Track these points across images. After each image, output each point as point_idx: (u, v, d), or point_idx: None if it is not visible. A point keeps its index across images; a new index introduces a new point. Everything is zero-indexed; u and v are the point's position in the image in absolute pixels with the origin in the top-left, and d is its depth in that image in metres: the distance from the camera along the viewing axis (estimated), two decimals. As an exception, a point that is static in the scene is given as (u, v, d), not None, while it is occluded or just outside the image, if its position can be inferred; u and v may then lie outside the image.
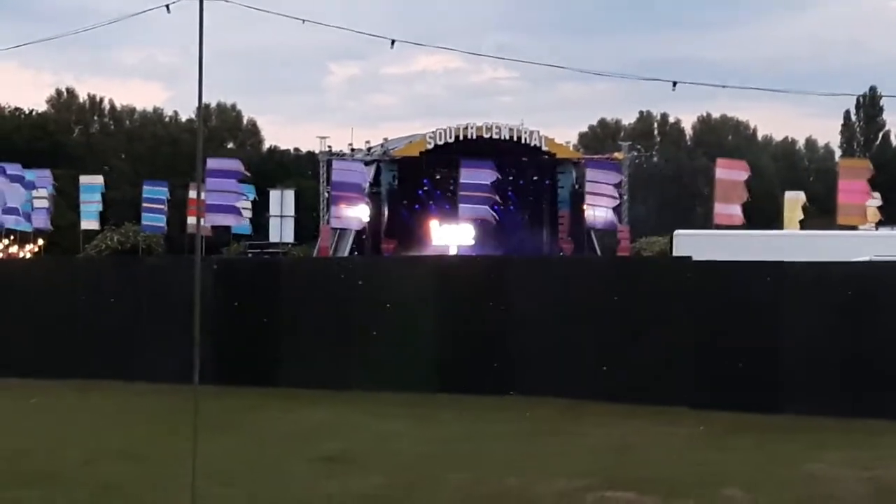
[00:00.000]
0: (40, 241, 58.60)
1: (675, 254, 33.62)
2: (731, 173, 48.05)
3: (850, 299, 20.93)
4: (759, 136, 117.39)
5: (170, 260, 37.38)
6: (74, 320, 25.50)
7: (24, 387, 23.68)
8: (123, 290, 25.57)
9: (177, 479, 13.06)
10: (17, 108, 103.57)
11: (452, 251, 53.52)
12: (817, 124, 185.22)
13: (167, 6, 13.27)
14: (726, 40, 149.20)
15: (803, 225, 53.74)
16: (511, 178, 59.38)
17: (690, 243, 32.27)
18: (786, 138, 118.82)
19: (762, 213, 59.22)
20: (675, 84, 20.33)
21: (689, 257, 23.37)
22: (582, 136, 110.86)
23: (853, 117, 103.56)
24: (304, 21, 18.18)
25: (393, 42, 20.18)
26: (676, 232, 37.91)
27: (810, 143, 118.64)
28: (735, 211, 46.26)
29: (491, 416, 20.42)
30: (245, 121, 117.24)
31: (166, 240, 65.83)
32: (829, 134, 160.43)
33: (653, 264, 28.90)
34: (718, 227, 45.10)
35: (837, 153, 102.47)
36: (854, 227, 43.03)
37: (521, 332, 22.95)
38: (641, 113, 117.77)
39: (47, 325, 25.60)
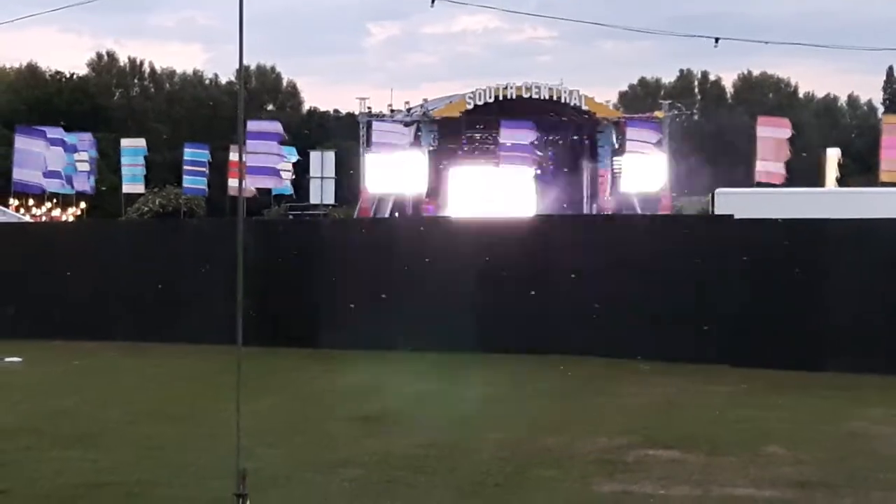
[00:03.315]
0: (83, 205, 58.87)
1: (716, 212, 33.46)
2: (773, 131, 47.83)
3: (893, 256, 20.84)
4: (801, 93, 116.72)
5: (212, 222, 37.51)
6: (117, 283, 25.65)
7: (67, 348, 23.89)
8: (166, 253, 25.70)
9: (218, 439, 13.15)
10: (57, 72, 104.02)
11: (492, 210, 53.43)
12: (859, 80, 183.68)
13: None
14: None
15: (840, 182, 53.42)
16: (551, 137, 59.21)
17: (731, 201, 32.12)
18: (827, 95, 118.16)
19: (803, 171, 58.88)
20: (717, 40, 20.22)
21: (731, 215, 23.25)
22: (622, 96, 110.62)
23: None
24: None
25: (433, 1, 20.10)
26: (717, 190, 37.75)
27: (852, 99, 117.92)
28: (777, 169, 46.06)
29: (531, 375, 20.45)
30: (285, 83, 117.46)
31: (207, 202, 66.01)
32: (871, 90, 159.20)
33: (695, 221, 28.72)
34: (760, 185, 44.90)
35: (880, 110, 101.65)
36: (896, 185, 42.69)
37: (559, 290, 22.92)
38: (682, 71, 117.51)
39: (90, 287, 25.76)
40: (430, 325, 23.17)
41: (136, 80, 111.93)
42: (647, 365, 20.96)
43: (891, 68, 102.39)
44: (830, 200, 34.25)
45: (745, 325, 21.45)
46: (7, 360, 22.31)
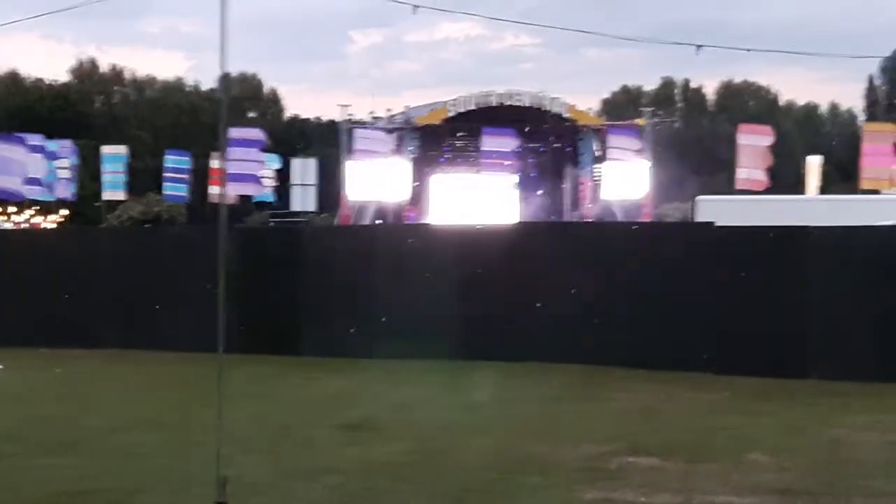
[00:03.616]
0: (64, 212, 58.72)
1: (697, 219, 33.53)
2: (754, 138, 47.79)
3: (875, 264, 20.90)
4: (782, 101, 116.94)
5: (193, 229, 37.40)
6: (99, 290, 25.62)
7: (50, 356, 23.86)
8: (147, 260, 25.68)
9: (201, 447, 13.10)
10: (38, 79, 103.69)
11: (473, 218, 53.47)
12: (840, 89, 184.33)
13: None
14: (746, 3, 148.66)
15: (822, 189, 53.50)
16: (533, 145, 59.24)
17: (713, 209, 32.18)
18: (808, 103, 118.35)
19: (785, 179, 59.01)
20: (699, 47, 20.27)
21: (712, 223, 23.29)
22: (605, 103, 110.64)
23: (876, 81, 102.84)
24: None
25: (416, 8, 20.11)
26: (699, 197, 37.81)
27: (833, 107, 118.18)
28: (758, 176, 46.09)
29: (513, 382, 20.48)
30: (267, 90, 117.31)
31: (189, 209, 65.84)
32: (852, 99, 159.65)
33: (674, 229, 28.79)
34: (741, 192, 44.96)
35: (861, 118, 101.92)
36: (877, 192, 42.78)
37: (541, 298, 22.96)
38: (663, 79, 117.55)
39: (72, 295, 25.72)
40: (412, 332, 23.15)
41: (117, 88, 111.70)
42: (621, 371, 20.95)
43: (871, 77, 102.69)
44: (812, 208, 34.32)
45: (727, 333, 21.48)
46: (-12, 367, 22.27)
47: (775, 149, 46.97)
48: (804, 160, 59.40)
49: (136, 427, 15.85)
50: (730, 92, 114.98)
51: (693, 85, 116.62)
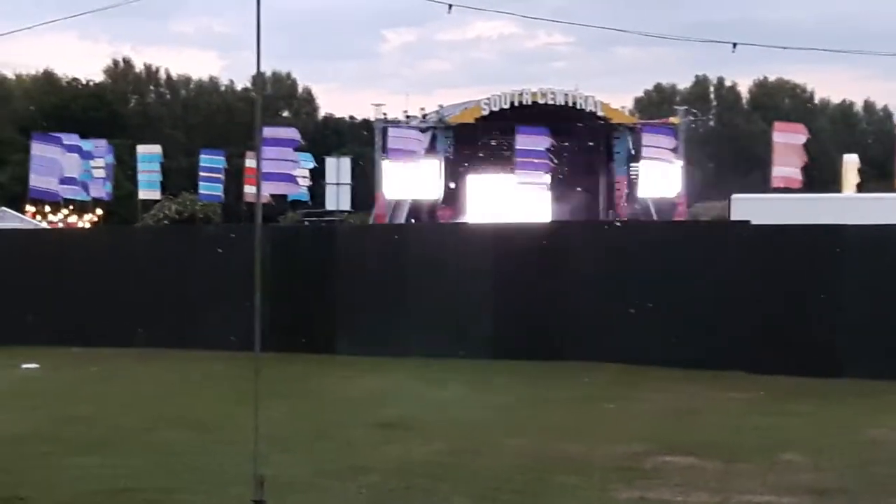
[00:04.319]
0: (99, 211, 58.91)
1: (732, 218, 33.39)
2: (788, 136, 47.63)
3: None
4: (817, 98, 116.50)
5: (228, 229, 37.50)
6: (134, 289, 25.69)
7: (85, 355, 23.95)
8: (183, 259, 25.76)
9: (237, 446, 13.14)
10: (74, 79, 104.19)
11: (506, 216, 53.46)
12: (876, 86, 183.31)
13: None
14: (781, 2, 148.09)
15: (860, 188, 53.20)
16: (566, 143, 59.12)
17: (748, 207, 32.03)
18: (843, 101, 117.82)
19: (820, 177, 58.76)
20: (734, 46, 20.18)
21: (748, 221, 23.20)
22: (638, 101, 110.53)
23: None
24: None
25: (450, 7, 20.08)
26: (734, 196, 37.63)
27: (868, 105, 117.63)
28: (793, 174, 45.90)
29: (548, 381, 20.45)
30: (300, 89, 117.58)
31: (223, 208, 66.01)
32: (887, 96, 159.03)
33: (710, 228, 28.67)
34: (776, 190, 44.78)
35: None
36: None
37: (576, 298, 22.93)
38: (697, 77, 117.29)
39: (107, 293, 25.81)
40: (447, 331, 23.21)
41: (152, 87, 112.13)
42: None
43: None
44: (848, 206, 34.12)
45: (761, 331, 21.40)
46: (24, 366, 22.37)
47: (810, 147, 46.80)
48: (840, 158, 59.11)
49: (172, 426, 15.87)
50: (764, 90, 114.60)
51: (727, 83, 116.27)
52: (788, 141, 47.26)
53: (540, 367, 21.69)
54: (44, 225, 48.78)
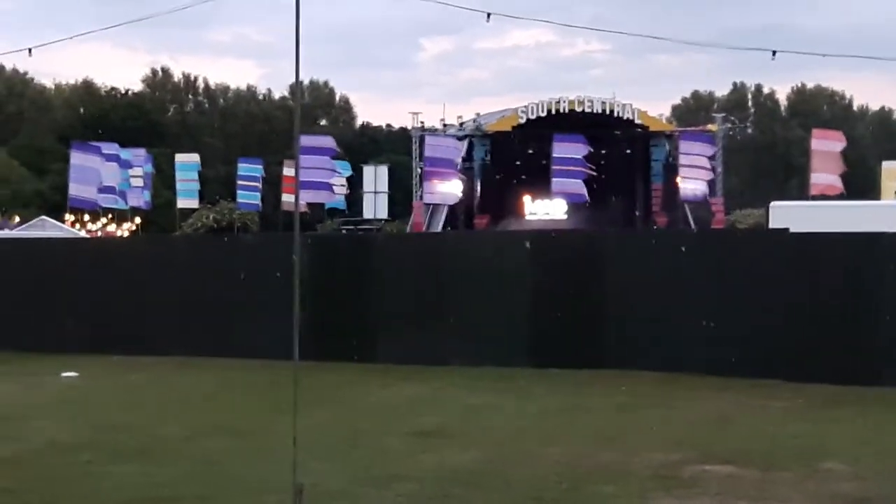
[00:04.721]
0: (137, 220, 59.26)
1: (771, 226, 33.27)
2: (826, 144, 47.55)
3: None
4: (855, 105, 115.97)
5: (266, 237, 37.67)
6: (173, 298, 25.78)
7: (123, 363, 24.05)
8: (221, 268, 25.83)
9: (275, 454, 13.17)
10: (112, 88, 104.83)
11: (545, 225, 53.51)
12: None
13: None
14: (819, 8, 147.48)
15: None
16: (604, 151, 59.07)
17: (786, 215, 31.91)
18: (882, 108, 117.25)
19: (858, 184, 58.51)
20: (774, 53, 20.16)
21: (786, 229, 23.11)
22: (675, 109, 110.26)
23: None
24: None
25: (489, 15, 20.12)
26: (772, 204, 37.52)
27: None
28: (832, 181, 45.77)
29: (585, 389, 20.42)
30: (338, 97, 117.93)
31: (261, 217, 66.28)
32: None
33: (749, 236, 28.59)
34: (815, 198, 44.64)
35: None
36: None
37: (615, 306, 22.90)
38: (735, 84, 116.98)
39: (145, 302, 25.92)
40: (484, 339, 23.24)
41: (190, 96, 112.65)
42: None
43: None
44: (887, 214, 33.94)
45: (799, 340, 21.30)
46: (64, 374, 22.48)
47: (849, 154, 46.63)
48: (879, 166, 58.83)
49: (211, 434, 15.93)
50: (802, 97, 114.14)
51: (765, 90, 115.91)
52: (827, 148, 47.18)
53: (577, 375, 21.67)
54: (83, 233, 49.08)
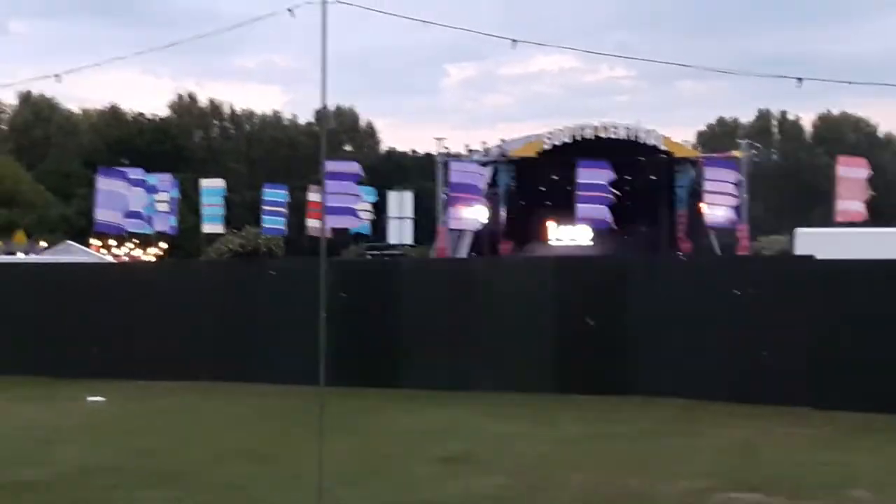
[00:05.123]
0: (163, 245, 59.37)
1: (796, 252, 33.18)
2: (852, 170, 47.32)
3: None
4: (881, 132, 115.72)
5: (291, 262, 37.59)
6: (197, 323, 25.86)
7: (151, 388, 24.12)
8: (245, 293, 25.92)
9: (301, 479, 13.19)
10: (139, 113, 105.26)
11: (570, 251, 53.47)
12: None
13: (290, 10, 13.36)
14: (844, 35, 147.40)
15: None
16: (628, 177, 58.93)
17: (812, 242, 31.81)
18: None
19: (884, 212, 58.32)
20: (800, 80, 20.07)
21: (812, 256, 23.05)
22: (700, 135, 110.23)
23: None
24: (425, 22, 18.19)
25: (514, 42, 20.12)
26: (798, 230, 37.40)
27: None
28: (857, 208, 45.57)
29: (610, 416, 20.38)
30: (363, 123, 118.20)
31: (286, 242, 66.32)
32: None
33: (774, 263, 28.53)
34: (840, 224, 44.47)
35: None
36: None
37: (639, 332, 22.88)
38: (760, 111, 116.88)
39: (171, 327, 26.00)
40: (510, 365, 23.24)
41: (216, 121, 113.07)
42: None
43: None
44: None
45: (827, 366, 21.22)
46: (90, 399, 22.55)
47: (874, 181, 46.47)
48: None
49: (237, 459, 15.95)
50: (828, 124, 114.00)
51: (790, 116, 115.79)
52: (852, 175, 46.96)
53: (604, 402, 21.65)
54: (109, 258, 49.24)
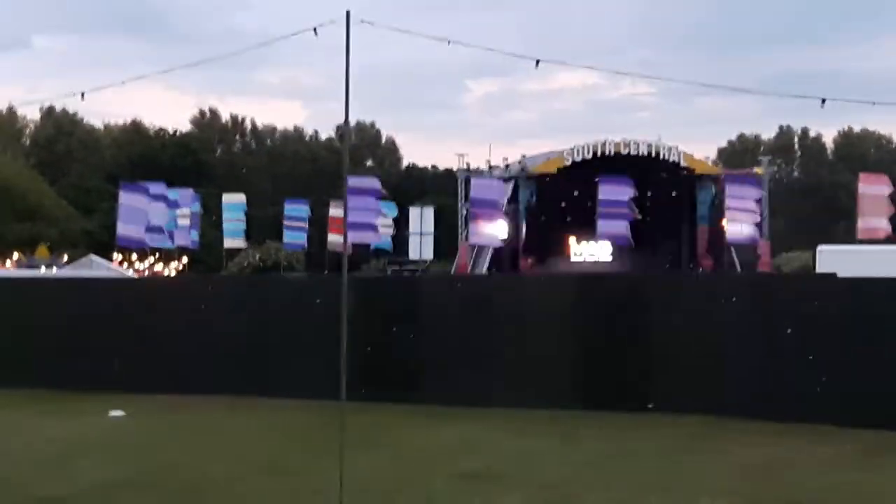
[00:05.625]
0: (184, 259, 59.59)
1: (818, 269, 33.17)
2: (874, 188, 47.29)
3: None
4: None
5: (312, 278, 37.80)
6: (218, 337, 25.90)
7: (171, 402, 24.15)
8: (266, 308, 25.93)
9: (320, 495, 13.22)
10: (161, 129, 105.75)
11: (590, 268, 53.48)
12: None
13: (314, 29, 13.45)
14: (866, 52, 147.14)
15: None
16: (649, 193, 58.94)
17: (834, 259, 31.80)
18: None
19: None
20: (823, 101, 20.07)
21: (834, 274, 23.01)
22: (721, 152, 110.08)
23: None
24: (449, 42, 18.27)
25: (538, 62, 20.17)
26: (820, 247, 37.40)
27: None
28: (880, 224, 45.50)
29: (631, 433, 20.33)
30: (384, 138, 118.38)
31: (307, 257, 66.47)
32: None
33: (794, 280, 28.50)
34: (862, 242, 44.40)
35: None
36: None
37: (659, 349, 22.85)
38: (781, 127, 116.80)
39: (192, 341, 26.05)
40: (531, 381, 23.23)
41: (237, 137, 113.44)
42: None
43: None
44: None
45: (848, 384, 21.16)
46: (112, 413, 22.61)
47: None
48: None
49: (259, 475, 15.96)
50: (849, 141, 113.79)
51: (812, 133, 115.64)
52: (874, 192, 46.91)
53: (626, 419, 21.59)
54: (130, 273, 49.40)
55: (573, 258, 60.63)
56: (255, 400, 24.01)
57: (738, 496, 14.49)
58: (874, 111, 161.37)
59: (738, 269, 53.04)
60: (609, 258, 58.54)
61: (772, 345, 21.87)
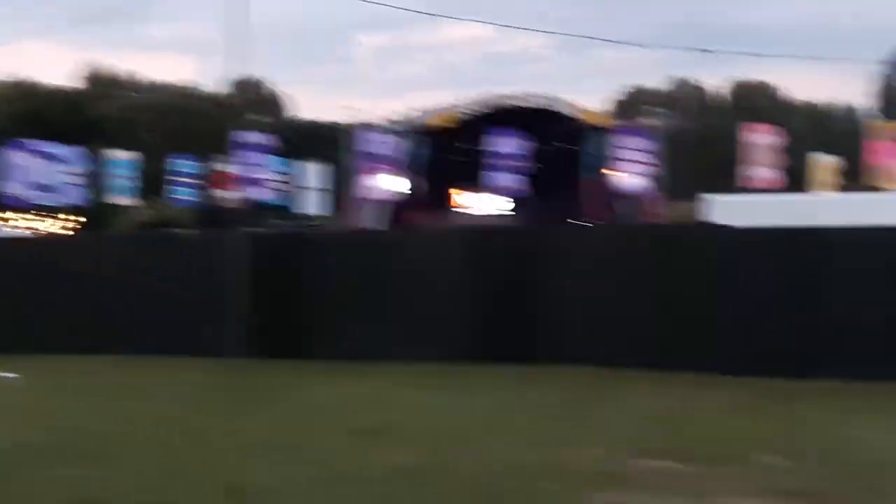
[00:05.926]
0: (74, 218, 58.86)
1: (712, 220, 33.48)
2: (763, 137, 47.88)
3: (893, 263, 20.93)
4: (796, 100, 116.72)
5: (199, 234, 37.35)
6: (107, 297, 25.60)
7: (59, 363, 23.82)
8: (153, 266, 25.61)
9: (214, 452, 13.11)
10: (47, 85, 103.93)
11: (483, 221, 53.61)
12: (855, 88, 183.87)
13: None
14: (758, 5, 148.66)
15: (838, 189, 53.36)
16: (542, 147, 59.09)
17: (725, 209, 32.05)
18: (821, 102, 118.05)
19: (797, 178, 58.87)
20: (706, 51, 20.30)
21: (723, 223, 23.25)
22: (615, 103, 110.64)
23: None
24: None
25: (430, 15, 20.12)
26: (706, 196, 37.60)
27: (846, 107, 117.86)
28: (767, 174, 46.06)
29: (528, 385, 20.44)
30: (273, 93, 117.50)
31: (197, 213, 65.90)
32: (867, 98, 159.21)
33: (682, 230, 28.71)
34: (746, 190, 44.91)
35: (874, 118, 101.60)
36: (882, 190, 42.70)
37: (552, 300, 22.96)
38: (675, 79, 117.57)
39: (80, 301, 25.74)
40: (427, 335, 23.25)
41: (127, 93, 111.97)
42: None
43: (887, 76, 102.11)
44: (826, 207, 34.15)
45: (733, 334, 21.45)
46: (2, 374, 22.26)
47: (790, 149, 46.96)
48: (815, 159, 59.21)
49: (155, 435, 15.75)
50: (743, 92, 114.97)
51: (705, 85, 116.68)
52: (762, 141, 47.48)
53: (521, 371, 21.70)
54: (18, 232, 48.73)
55: (467, 211, 60.78)
56: (149, 359, 23.69)
57: (632, 445, 14.57)
58: (768, 62, 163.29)
59: (628, 220, 53.38)
60: (505, 212, 58.74)
61: (658, 296, 22.12)
